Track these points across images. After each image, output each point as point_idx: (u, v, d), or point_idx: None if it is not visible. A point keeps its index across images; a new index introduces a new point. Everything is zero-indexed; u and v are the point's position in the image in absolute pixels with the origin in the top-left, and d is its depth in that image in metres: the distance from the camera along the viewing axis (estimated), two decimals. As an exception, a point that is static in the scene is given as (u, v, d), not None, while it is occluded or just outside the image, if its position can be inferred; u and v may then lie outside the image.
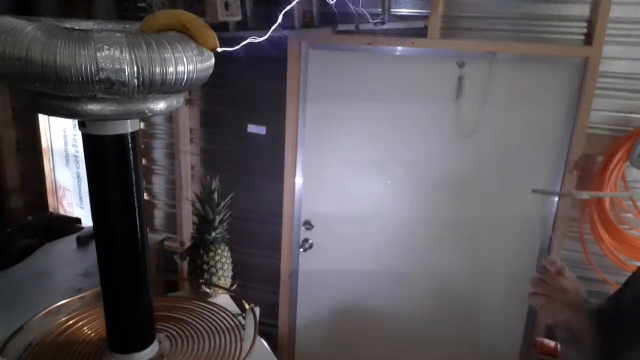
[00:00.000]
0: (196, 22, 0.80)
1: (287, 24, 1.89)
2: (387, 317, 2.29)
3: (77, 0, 2.29)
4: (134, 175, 0.90)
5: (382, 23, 1.89)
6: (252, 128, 2.25)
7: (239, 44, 0.99)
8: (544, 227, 1.96)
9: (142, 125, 2.43)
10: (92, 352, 1.05)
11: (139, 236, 0.94)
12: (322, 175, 2.23)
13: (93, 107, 0.74)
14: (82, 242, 2.25)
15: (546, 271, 0.88)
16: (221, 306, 1.27)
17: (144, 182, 2.52)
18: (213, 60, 0.86)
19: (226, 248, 1.47)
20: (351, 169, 2.18)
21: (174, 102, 0.86)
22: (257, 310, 1.14)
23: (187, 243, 2.42)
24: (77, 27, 0.71)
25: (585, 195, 0.89)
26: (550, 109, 1.88)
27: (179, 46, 0.76)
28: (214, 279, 1.41)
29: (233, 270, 1.49)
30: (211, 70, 0.85)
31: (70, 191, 2.69)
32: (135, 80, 0.71)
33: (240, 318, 1.21)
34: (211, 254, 1.41)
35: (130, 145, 0.88)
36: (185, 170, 2.38)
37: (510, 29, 1.85)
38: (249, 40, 0.88)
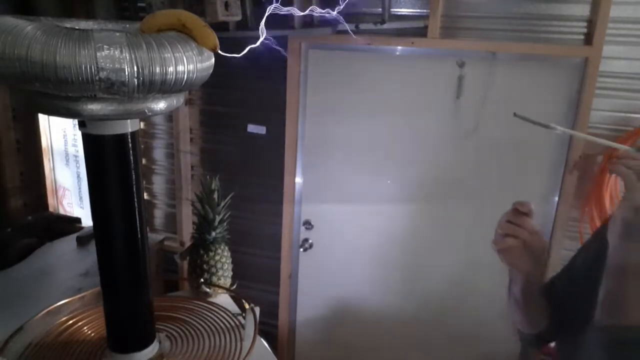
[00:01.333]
0: (196, 22, 0.80)
1: (287, 24, 1.89)
2: (387, 316, 2.29)
3: (77, 0, 2.29)
4: (134, 175, 0.90)
5: (382, 23, 1.89)
6: (252, 128, 2.25)
7: (238, 44, 0.99)
8: (543, 227, 1.96)
9: (142, 125, 2.43)
10: (92, 352, 1.05)
11: (139, 236, 0.94)
12: (322, 175, 2.23)
13: (93, 106, 0.74)
14: (82, 242, 2.25)
15: (516, 212, 0.87)
16: (221, 306, 1.27)
17: (144, 182, 2.52)
18: (213, 60, 0.86)
19: (226, 248, 1.47)
20: (351, 169, 2.18)
21: (174, 102, 0.86)
22: (257, 310, 1.14)
23: (187, 243, 2.42)
24: (77, 27, 0.71)
25: (559, 129, 0.88)
26: (550, 108, 1.88)
27: (179, 46, 0.76)
28: (214, 278, 1.41)
29: (233, 270, 1.48)
30: (211, 70, 0.85)
31: (70, 191, 2.69)
32: (135, 80, 0.71)
33: (240, 318, 1.21)
34: (211, 253, 1.41)
35: (130, 145, 0.88)
36: (185, 170, 2.38)
37: (510, 29, 1.85)
38: (248, 48, 0.88)
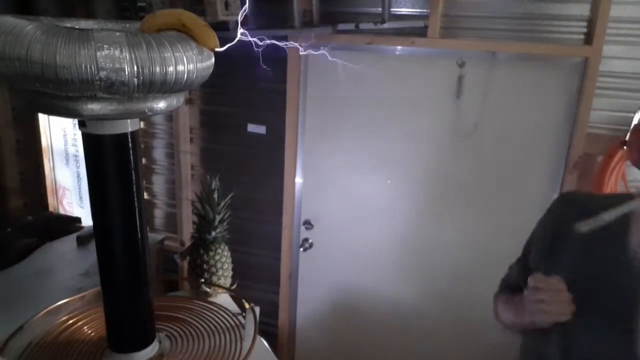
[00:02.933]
0: (196, 22, 0.80)
1: (287, 24, 1.89)
2: (387, 316, 2.29)
3: (77, 0, 2.29)
4: (134, 175, 0.90)
5: (382, 22, 1.89)
6: (252, 128, 2.25)
7: (239, 43, 0.99)
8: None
9: (142, 124, 2.43)
10: (92, 352, 1.05)
11: (139, 236, 0.94)
12: (322, 175, 2.23)
13: (93, 106, 0.74)
14: (82, 242, 2.25)
15: (538, 289, 0.90)
16: (221, 306, 1.27)
17: (144, 182, 2.52)
18: (213, 59, 0.86)
19: (226, 248, 1.47)
20: (351, 169, 2.18)
21: (174, 102, 0.86)
22: (257, 309, 1.14)
23: (187, 243, 2.42)
24: (77, 27, 0.71)
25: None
26: (550, 108, 1.87)
27: (179, 46, 0.76)
28: (214, 278, 1.41)
29: (233, 269, 1.49)
30: (211, 70, 0.85)
31: (70, 191, 2.69)
32: (135, 80, 0.71)
33: (240, 317, 1.21)
34: (211, 253, 1.42)
35: (130, 144, 0.88)
36: (185, 170, 2.38)
37: (510, 29, 1.85)
38: (238, 37, 0.88)
